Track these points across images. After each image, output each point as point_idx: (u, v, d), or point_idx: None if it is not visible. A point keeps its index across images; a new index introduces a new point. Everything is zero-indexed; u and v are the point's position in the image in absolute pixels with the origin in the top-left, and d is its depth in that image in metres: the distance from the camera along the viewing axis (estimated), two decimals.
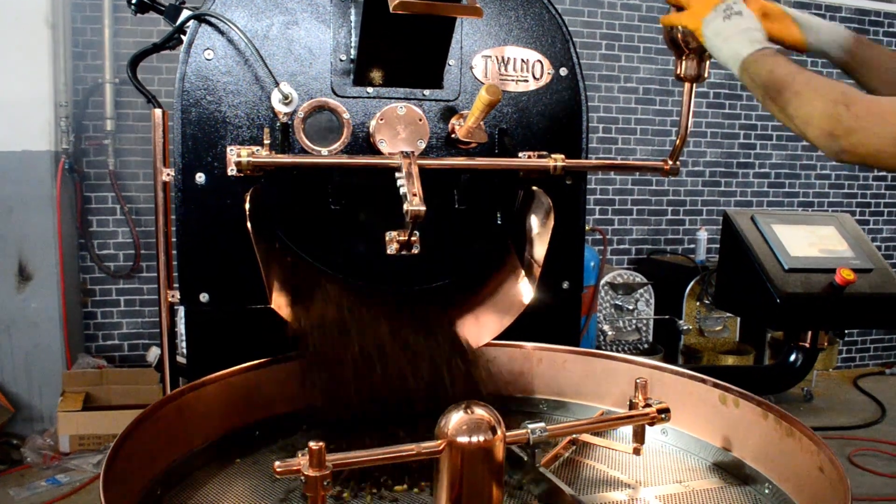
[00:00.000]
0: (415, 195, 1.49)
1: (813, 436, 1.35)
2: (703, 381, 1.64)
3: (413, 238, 1.58)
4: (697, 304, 5.44)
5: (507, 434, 1.29)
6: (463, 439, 1.23)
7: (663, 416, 1.48)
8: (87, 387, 4.71)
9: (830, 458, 1.27)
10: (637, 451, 1.53)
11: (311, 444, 1.10)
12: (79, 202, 5.03)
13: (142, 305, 5.28)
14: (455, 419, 1.25)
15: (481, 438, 1.24)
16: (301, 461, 1.11)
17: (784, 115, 1.36)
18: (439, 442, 1.24)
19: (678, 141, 1.87)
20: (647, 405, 1.49)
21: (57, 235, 4.70)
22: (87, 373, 4.78)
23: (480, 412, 1.26)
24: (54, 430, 4.58)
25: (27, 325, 4.72)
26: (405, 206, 1.49)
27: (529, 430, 1.32)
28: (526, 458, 1.40)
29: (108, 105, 4.98)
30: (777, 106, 1.36)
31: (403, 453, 1.24)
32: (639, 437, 1.53)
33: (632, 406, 1.50)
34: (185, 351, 1.94)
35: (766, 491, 1.46)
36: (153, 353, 4.91)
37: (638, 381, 1.50)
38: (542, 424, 1.34)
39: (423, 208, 1.47)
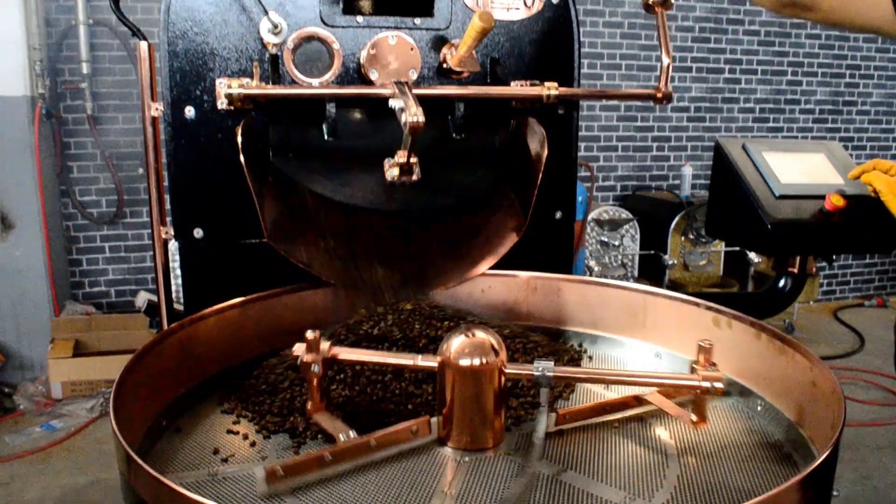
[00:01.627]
0: (412, 105, 1.46)
1: (806, 352, 1.38)
2: (697, 304, 1.67)
3: (412, 160, 1.57)
4: (682, 239, 5.49)
5: (510, 368, 1.30)
6: (465, 362, 1.25)
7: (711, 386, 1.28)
8: (76, 334, 4.71)
9: (823, 372, 1.30)
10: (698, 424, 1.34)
11: (308, 333, 1.15)
12: (58, 148, 4.95)
13: (127, 251, 5.25)
14: (457, 342, 1.27)
15: (484, 360, 1.26)
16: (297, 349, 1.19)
17: None
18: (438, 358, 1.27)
19: (663, 69, 1.84)
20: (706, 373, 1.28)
21: (37, 182, 4.63)
22: (75, 320, 4.78)
23: (482, 335, 1.28)
24: (46, 377, 4.59)
25: (12, 274, 4.69)
26: (403, 118, 1.47)
27: (534, 369, 1.29)
28: None
29: (83, 47, 4.85)
30: None
31: (402, 361, 1.28)
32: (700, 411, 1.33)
33: (692, 370, 1.32)
34: (177, 293, 1.94)
35: (759, 408, 1.50)
36: (141, 298, 4.90)
37: (702, 343, 1.30)
38: (550, 364, 1.29)
39: (422, 118, 1.45)
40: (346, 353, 1.31)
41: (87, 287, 5.26)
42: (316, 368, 1.28)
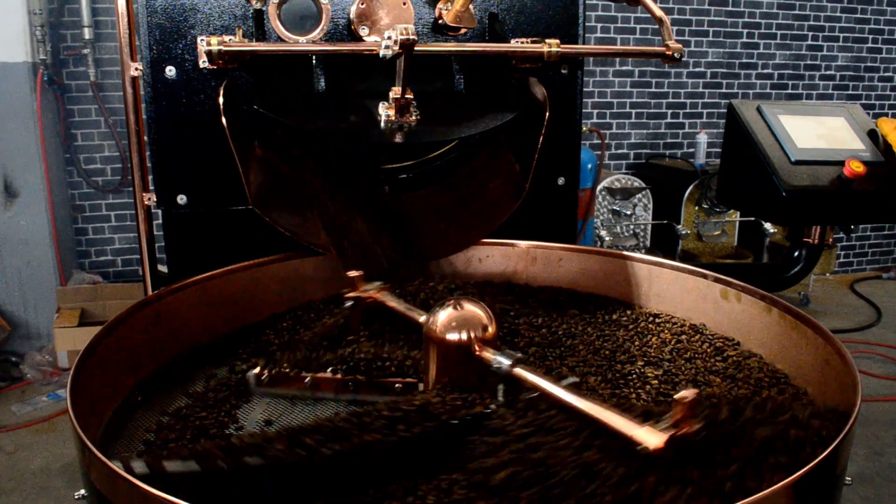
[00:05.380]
0: (399, 26, 1.37)
1: (819, 328, 1.29)
2: (704, 275, 1.58)
3: (408, 95, 1.46)
4: (696, 208, 5.37)
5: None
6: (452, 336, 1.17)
7: None
8: (82, 303, 4.69)
9: (838, 350, 1.21)
10: None
11: None
12: (61, 115, 4.88)
13: (133, 220, 5.19)
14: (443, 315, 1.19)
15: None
16: None
17: None
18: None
19: (665, 25, 1.71)
20: None
21: (41, 150, 4.57)
22: (81, 289, 4.75)
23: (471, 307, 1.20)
24: (52, 346, 4.58)
25: (17, 243, 4.65)
26: (394, 36, 1.37)
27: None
28: None
29: (85, 12, 4.75)
30: None
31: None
32: None
33: None
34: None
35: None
36: None
37: None
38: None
39: (413, 37, 1.36)
40: None
41: (94, 256, 5.22)
42: None
